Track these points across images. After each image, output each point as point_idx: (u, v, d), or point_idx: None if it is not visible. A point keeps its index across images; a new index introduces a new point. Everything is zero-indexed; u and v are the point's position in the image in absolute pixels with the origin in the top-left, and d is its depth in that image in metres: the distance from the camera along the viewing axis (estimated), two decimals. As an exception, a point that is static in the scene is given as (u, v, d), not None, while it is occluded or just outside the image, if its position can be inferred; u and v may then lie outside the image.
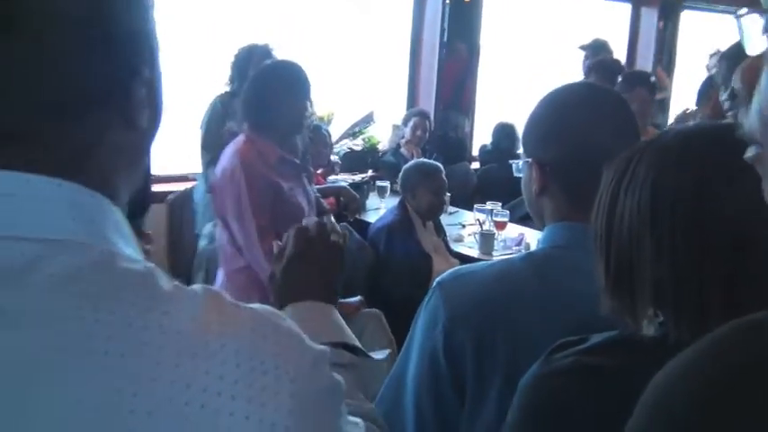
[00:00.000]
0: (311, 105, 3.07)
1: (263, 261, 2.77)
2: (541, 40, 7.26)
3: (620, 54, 6.72)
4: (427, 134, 5.75)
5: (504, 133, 5.95)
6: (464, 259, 3.98)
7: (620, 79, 4.47)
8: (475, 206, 4.74)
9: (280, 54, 4.05)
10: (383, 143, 6.22)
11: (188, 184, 4.53)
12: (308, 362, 0.62)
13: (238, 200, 2.81)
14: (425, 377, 1.26)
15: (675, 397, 0.62)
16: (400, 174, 4.21)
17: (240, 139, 2.98)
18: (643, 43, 7.88)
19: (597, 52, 5.72)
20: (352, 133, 6.24)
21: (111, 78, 0.65)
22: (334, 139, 5.50)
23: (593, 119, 1.29)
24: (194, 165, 4.32)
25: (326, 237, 1.16)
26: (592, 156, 1.20)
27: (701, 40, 7.55)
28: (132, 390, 0.55)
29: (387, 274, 3.95)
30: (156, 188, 3.15)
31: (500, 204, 4.60)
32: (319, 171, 4.74)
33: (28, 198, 0.61)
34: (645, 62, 7.71)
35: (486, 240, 4.16)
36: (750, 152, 0.63)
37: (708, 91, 4.15)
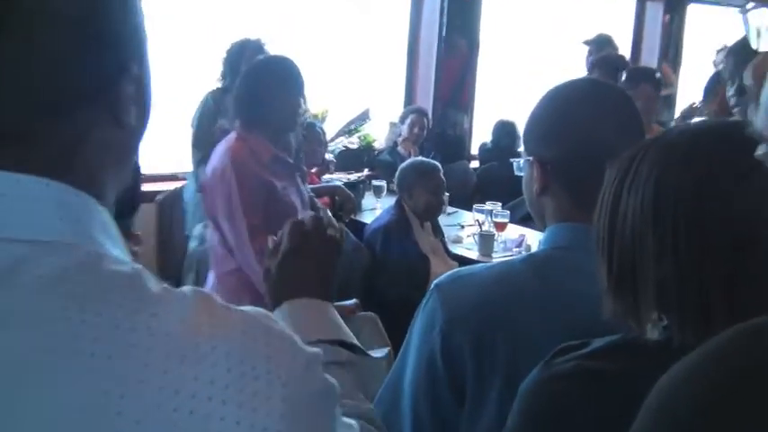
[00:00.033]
0: (305, 102, 3.06)
1: (255, 262, 2.77)
2: (543, 36, 7.27)
3: (624, 49, 6.73)
4: (425, 132, 5.75)
5: (504, 131, 5.96)
6: (463, 261, 3.98)
7: (624, 76, 4.48)
8: (474, 206, 4.74)
9: (273, 49, 4.05)
10: (379, 141, 6.23)
11: (178, 184, 4.52)
12: (301, 365, 0.62)
13: (229, 199, 2.81)
14: (422, 381, 1.26)
15: (679, 401, 0.62)
16: (397, 173, 4.21)
17: (232, 136, 2.98)
18: (648, 38, 7.90)
19: (601, 47, 5.72)
20: (347, 131, 6.24)
21: (99, 75, 0.66)
22: (328, 136, 5.51)
23: (595, 115, 1.29)
24: (184, 163, 4.32)
25: (323, 231, 1.15)
26: (594, 153, 1.21)
27: (708, 34, 7.56)
28: (119, 392, 0.55)
29: (383, 277, 3.95)
30: (144, 187, 3.14)
31: (500, 204, 4.60)
32: (313, 170, 4.75)
33: (18, 198, 0.61)
34: (650, 57, 7.73)
35: (486, 241, 4.16)
36: (761, 150, 0.63)
37: (715, 87, 4.17)
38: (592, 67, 5.27)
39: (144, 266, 0.64)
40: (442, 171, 4.15)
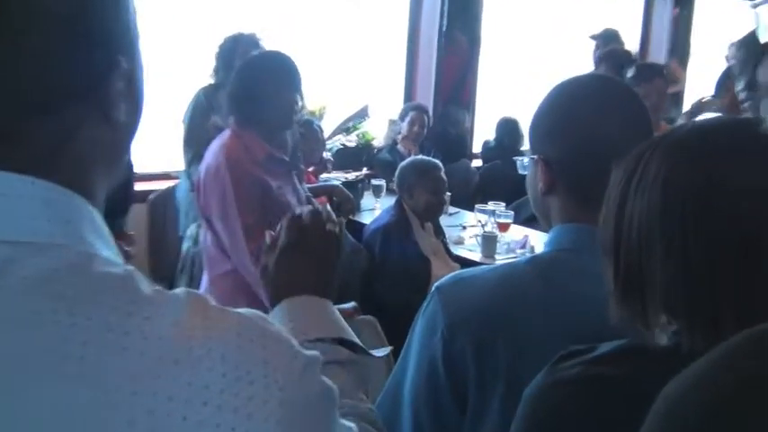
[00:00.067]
0: (301, 99, 3.06)
1: (250, 263, 2.77)
2: (548, 30, 7.27)
3: (632, 44, 6.73)
4: (425, 130, 5.75)
5: (507, 129, 5.96)
6: (465, 263, 3.98)
7: (630, 72, 4.48)
8: (476, 206, 4.75)
9: (268, 44, 4.05)
10: (378, 139, 6.23)
11: (170, 183, 4.52)
12: (298, 368, 0.62)
13: (223, 198, 2.81)
14: (423, 388, 1.26)
15: (688, 408, 0.62)
16: (396, 172, 4.21)
17: (226, 134, 2.98)
18: (656, 32, 7.90)
19: (608, 42, 5.74)
20: (345, 129, 6.24)
21: (88, 73, 0.66)
22: (326, 134, 5.51)
23: (600, 112, 1.29)
24: (177, 162, 4.31)
25: (321, 226, 1.15)
26: (599, 150, 1.21)
27: (718, 28, 7.57)
28: (109, 397, 0.55)
29: (382, 279, 3.95)
30: (136, 187, 3.15)
31: (503, 204, 4.61)
32: (310, 169, 4.74)
33: (0, 196, 0.61)
34: (658, 52, 7.73)
35: (489, 243, 4.16)
36: None
37: (726, 81, 4.18)
38: (599, 61, 5.29)
39: (136, 268, 0.64)
40: (442, 170, 4.15)
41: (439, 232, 4.25)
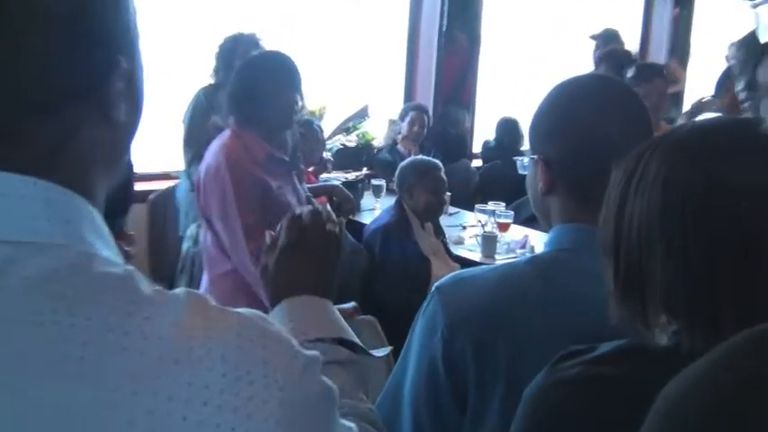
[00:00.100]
0: (301, 99, 3.06)
1: (250, 263, 2.77)
2: (548, 30, 7.27)
3: (632, 44, 6.73)
4: (425, 130, 5.75)
5: (507, 129, 5.96)
6: (465, 263, 3.98)
7: (630, 72, 4.48)
8: (476, 206, 4.75)
9: (268, 44, 4.05)
10: (378, 139, 6.23)
11: (170, 183, 4.52)
12: (298, 369, 0.63)
13: (223, 198, 2.81)
14: (423, 389, 1.26)
15: (689, 408, 0.62)
16: (396, 172, 4.21)
17: (226, 134, 2.98)
18: (656, 32, 7.90)
19: (608, 42, 5.74)
20: (345, 129, 6.24)
21: (88, 73, 0.66)
22: (326, 134, 5.51)
23: (600, 112, 1.29)
24: (176, 162, 4.32)
25: (321, 225, 1.15)
26: (599, 150, 1.21)
27: (718, 28, 7.57)
28: (109, 397, 0.56)
29: (382, 279, 3.95)
30: (136, 187, 3.15)
31: (503, 204, 4.61)
32: (310, 169, 4.74)
33: (2, 197, 0.61)
34: (658, 52, 7.73)
35: (489, 243, 4.16)
36: None
37: (726, 81, 4.18)
38: (599, 61, 5.29)
39: (135, 268, 0.64)
40: (442, 170, 4.15)
41: (439, 232, 4.25)
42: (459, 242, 4.45)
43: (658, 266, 0.90)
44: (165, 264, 4.12)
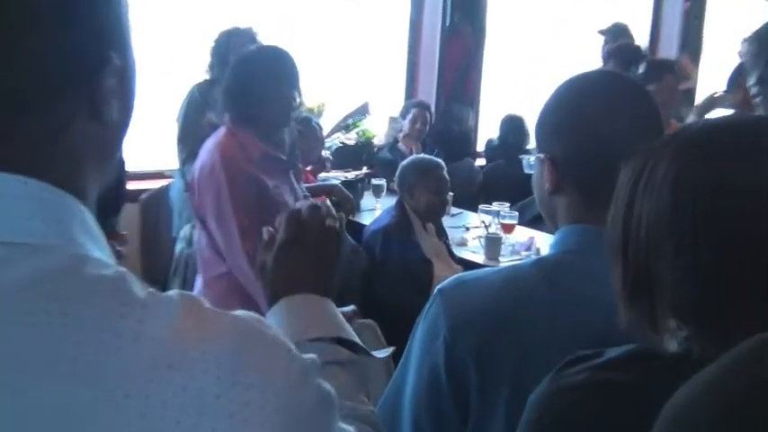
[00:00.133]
0: (299, 95, 3.06)
1: (246, 265, 2.77)
2: (555, 24, 7.26)
3: (642, 39, 6.73)
4: (427, 127, 5.76)
5: (512, 127, 5.96)
6: (468, 265, 3.98)
7: (640, 69, 4.48)
8: (480, 207, 4.75)
9: (264, 38, 4.05)
10: (379, 137, 6.23)
11: (163, 182, 4.52)
12: (296, 373, 0.63)
13: (218, 198, 2.81)
14: (424, 396, 1.26)
15: (700, 413, 0.63)
16: (397, 171, 4.22)
17: (221, 131, 2.98)
18: (667, 27, 7.89)
19: (617, 37, 5.74)
20: (344, 126, 6.24)
21: (79, 70, 0.66)
22: (325, 132, 5.51)
23: (608, 109, 1.29)
24: (170, 160, 4.32)
25: (321, 221, 1.14)
26: (607, 148, 1.21)
27: (731, 23, 7.56)
28: (101, 398, 0.56)
29: (383, 282, 3.95)
30: (128, 186, 3.15)
31: (508, 205, 4.61)
32: (309, 168, 4.75)
33: None
34: (669, 47, 7.72)
35: (493, 245, 4.16)
36: None
37: (738, 78, 4.17)
38: (607, 57, 5.28)
39: (128, 270, 0.64)
40: (445, 169, 4.16)
41: (441, 233, 4.25)
42: (462, 244, 4.45)
43: (667, 266, 0.90)
44: (158, 266, 4.12)
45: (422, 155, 4.77)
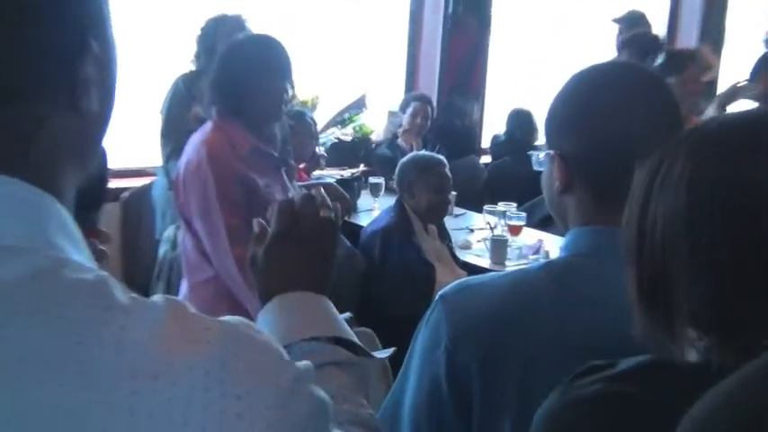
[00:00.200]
0: (292, 87, 3.06)
1: (233, 267, 2.77)
2: (567, 12, 7.26)
3: (659, 27, 6.73)
4: (429, 122, 5.76)
5: (519, 121, 5.96)
6: (472, 269, 3.98)
7: (660, 59, 4.48)
8: (485, 207, 4.75)
9: (254, 27, 4.05)
10: (377, 133, 6.23)
11: (146, 180, 4.52)
12: (288, 381, 0.63)
13: (205, 197, 2.80)
14: (424, 407, 1.27)
15: (719, 425, 0.63)
16: (396, 169, 4.21)
17: (208, 126, 2.98)
18: (686, 14, 7.89)
19: (632, 26, 5.74)
20: (340, 121, 6.24)
21: (55, 58, 0.66)
22: (319, 127, 5.51)
23: (623, 101, 1.29)
24: (153, 157, 4.32)
25: (315, 212, 1.13)
26: (621, 144, 1.21)
27: (756, 9, 7.56)
28: (83, 411, 0.56)
29: (382, 286, 3.95)
30: (108, 185, 3.14)
31: (515, 205, 4.61)
32: (302, 165, 4.75)
33: None
34: (688, 37, 7.72)
35: (499, 248, 4.16)
36: None
37: (762, 68, 4.18)
38: (622, 46, 5.28)
39: (109, 274, 0.64)
40: (447, 166, 4.15)
41: (444, 235, 4.25)
42: (467, 247, 4.45)
43: (683, 267, 0.90)
44: (140, 269, 4.11)
45: (423, 151, 4.77)
